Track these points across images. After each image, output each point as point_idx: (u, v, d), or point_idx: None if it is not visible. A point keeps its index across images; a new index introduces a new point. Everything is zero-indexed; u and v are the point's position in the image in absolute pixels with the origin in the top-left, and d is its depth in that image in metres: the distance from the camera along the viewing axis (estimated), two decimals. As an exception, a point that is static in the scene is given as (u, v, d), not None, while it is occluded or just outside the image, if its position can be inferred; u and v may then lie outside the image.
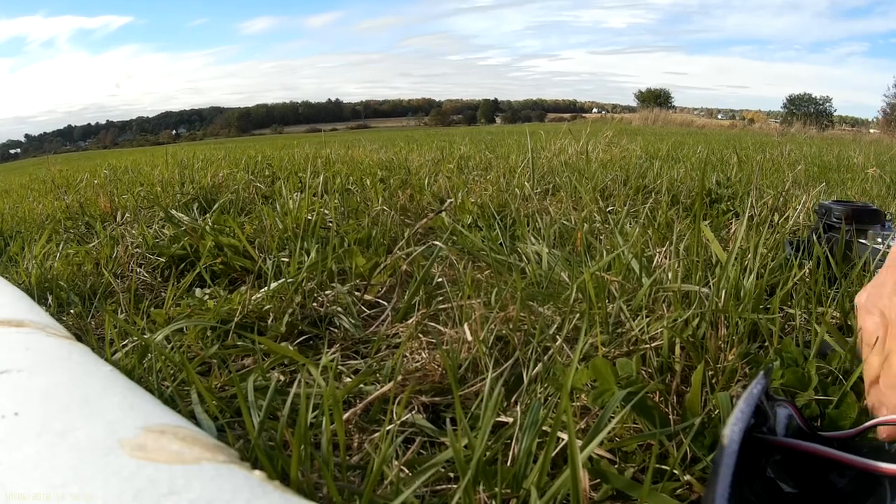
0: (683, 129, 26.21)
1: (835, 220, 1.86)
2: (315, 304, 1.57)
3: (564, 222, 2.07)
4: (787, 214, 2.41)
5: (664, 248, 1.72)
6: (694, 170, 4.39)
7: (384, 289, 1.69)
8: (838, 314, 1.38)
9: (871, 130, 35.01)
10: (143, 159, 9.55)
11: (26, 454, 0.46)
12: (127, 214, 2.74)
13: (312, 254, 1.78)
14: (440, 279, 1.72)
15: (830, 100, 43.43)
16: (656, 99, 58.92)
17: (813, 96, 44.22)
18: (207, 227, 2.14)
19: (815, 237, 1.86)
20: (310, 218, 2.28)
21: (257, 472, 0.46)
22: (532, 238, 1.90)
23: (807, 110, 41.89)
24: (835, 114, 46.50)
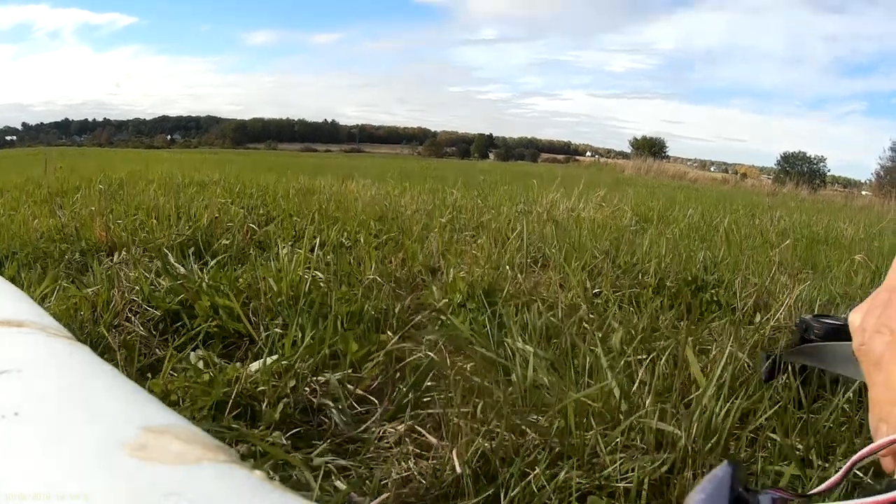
0: (675, 181, 26.26)
1: (813, 337, 1.89)
2: (307, 389, 1.60)
3: (551, 318, 2.10)
4: (768, 315, 2.45)
5: (646, 362, 1.75)
6: (682, 241, 4.42)
7: (375, 381, 1.72)
8: (807, 443, 1.42)
9: (864, 192, 35.15)
10: (138, 168, 9.55)
11: (26, 454, 0.46)
12: (123, 253, 2.75)
13: (308, 334, 1.81)
14: (430, 368, 1.76)
15: (825, 159, 43.43)
16: (651, 147, 59.00)
17: (808, 155, 44.21)
18: (204, 285, 2.17)
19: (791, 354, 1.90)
20: (304, 276, 2.33)
21: (257, 473, 0.47)
22: (519, 334, 1.93)
23: (800, 169, 41.81)
24: (828, 174, 46.49)
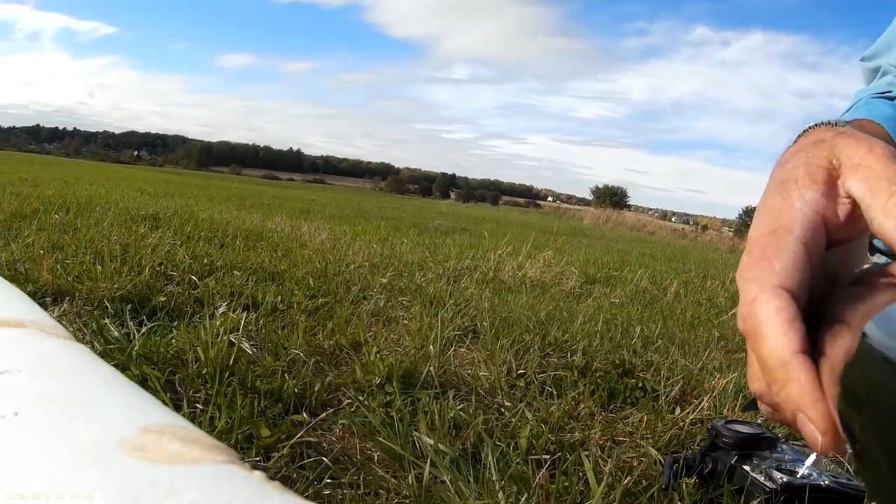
0: (633, 233, 26.40)
1: (723, 444, 1.91)
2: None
3: (461, 413, 2.10)
4: (687, 410, 2.46)
5: (547, 464, 1.76)
6: (622, 313, 4.43)
7: (281, 471, 1.71)
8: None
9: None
10: (100, 191, 9.49)
11: (26, 454, 0.46)
12: (66, 304, 2.73)
13: (224, 414, 1.81)
14: (340, 455, 1.76)
15: None
16: (612, 196, 59.46)
17: None
18: (134, 352, 2.17)
19: (699, 459, 1.92)
20: (233, 342, 2.34)
21: (257, 473, 0.45)
22: (427, 428, 1.94)
23: (762, 223, 42.22)
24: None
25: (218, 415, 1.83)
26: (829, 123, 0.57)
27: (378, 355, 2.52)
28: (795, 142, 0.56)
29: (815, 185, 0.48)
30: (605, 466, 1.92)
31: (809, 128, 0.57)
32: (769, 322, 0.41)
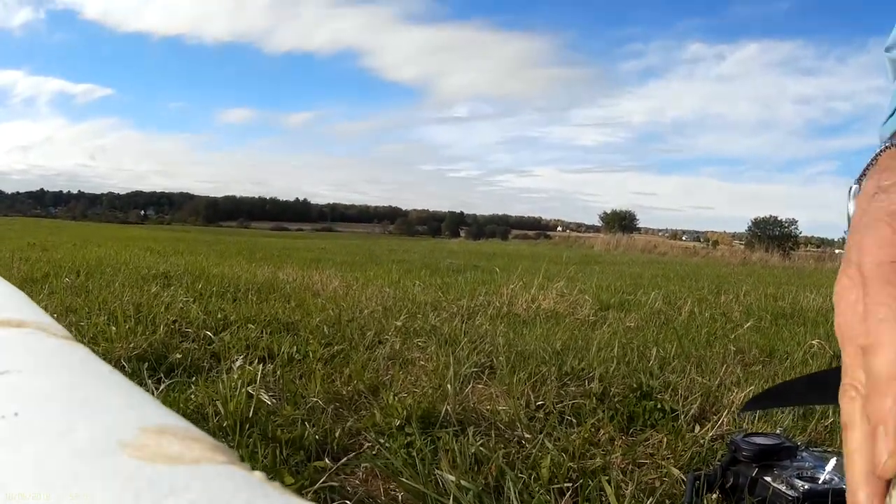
0: (645, 255, 26.35)
1: (743, 457, 1.92)
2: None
3: (481, 448, 2.12)
4: (707, 427, 2.47)
5: (569, 492, 1.78)
6: (638, 335, 4.44)
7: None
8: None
9: (837, 251, 35.37)
10: (108, 252, 9.53)
11: (26, 454, 0.45)
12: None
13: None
14: (365, 497, 1.78)
15: (796, 222, 43.05)
16: (621, 221, 59.15)
17: (778, 219, 43.95)
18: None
19: (720, 472, 1.93)
20: (252, 394, 2.36)
21: (257, 473, 0.43)
22: (449, 465, 1.96)
23: (772, 233, 41.67)
24: (800, 234, 46.29)
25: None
26: None
27: (396, 398, 2.54)
28: (873, 163, 0.63)
29: None
30: (626, 489, 1.94)
31: (884, 149, 0.63)
32: (891, 343, 0.45)
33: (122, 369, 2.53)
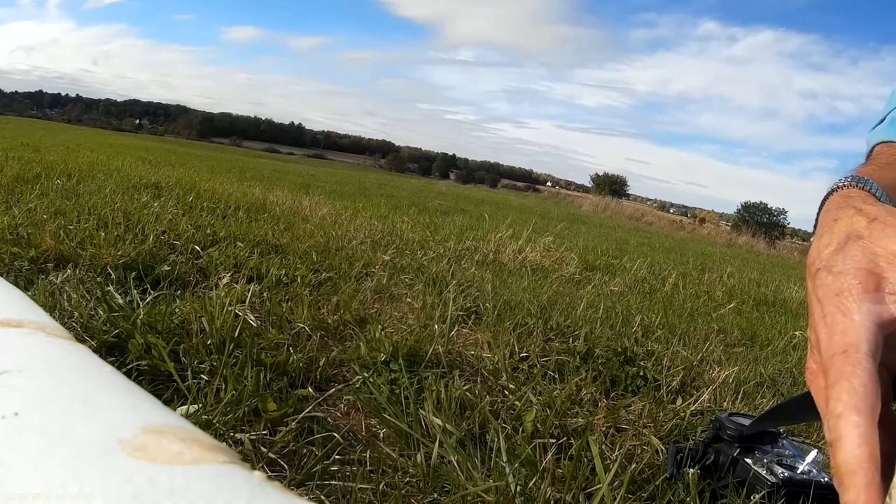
0: (632, 223, 26.42)
1: (726, 436, 1.91)
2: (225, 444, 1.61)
3: (467, 393, 2.10)
4: (689, 401, 2.47)
5: (553, 448, 1.77)
6: (622, 301, 4.44)
7: (288, 446, 1.72)
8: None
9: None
10: (101, 157, 9.49)
11: (26, 454, 0.46)
12: (68, 270, 2.72)
13: (230, 386, 1.81)
14: (346, 431, 1.77)
15: (786, 212, 43.19)
16: (612, 185, 59.23)
17: (768, 206, 44.03)
18: (139, 321, 2.17)
19: (702, 449, 1.92)
20: (238, 315, 2.35)
21: (257, 473, 0.46)
22: (434, 406, 1.94)
23: (760, 219, 41.84)
24: (788, 225, 46.44)
25: (224, 386, 1.84)
26: (853, 181, 0.67)
27: (383, 332, 2.53)
28: (823, 204, 0.66)
29: (868, 294, 0.54)
30: (609, 453, 1.93)
31: (835, 188, 0.66)
32: (847, 437, 0.48)
33: (108, 277, 2.50)
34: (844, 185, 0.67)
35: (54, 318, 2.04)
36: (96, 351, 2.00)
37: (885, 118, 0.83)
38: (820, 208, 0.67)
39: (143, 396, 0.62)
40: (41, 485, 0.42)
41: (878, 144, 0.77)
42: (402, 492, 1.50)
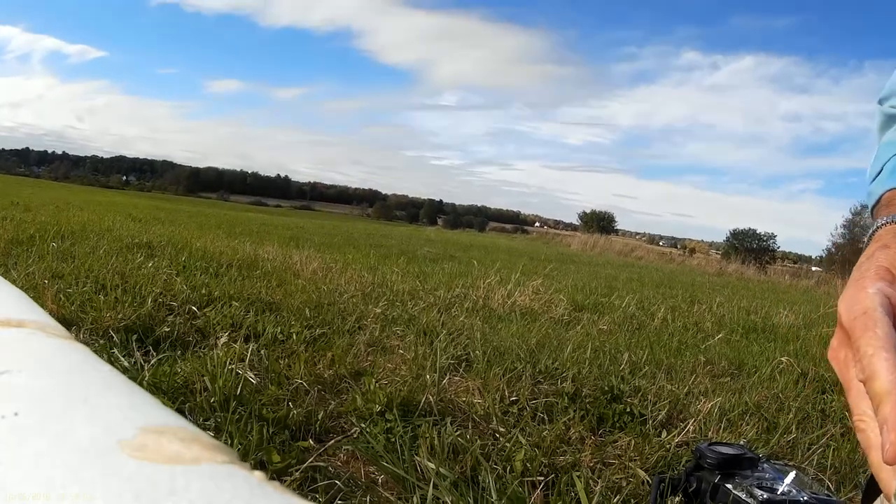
0: (621, 258, 26.38)
1: (707, 464, 2.01)
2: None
3: (459, 439, 2.20)
4: (674, 433, 2.56)
5: (541, 485, 1.86)
6: (610, 339, 4.52)
7: (294, 490, 1.81)
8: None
9: (814, 268, 35.69)
10: (92, 217, 9.53)
11: (26, 454, 0.45)
12: (72, 334, 2.79)
13: (236, 440, 1.92)
14: (347, 479, 1.87)
15: (774, 237, 43.18)
16: (599, 221, 59.17)
17: (757, 232, 43.96)
18: (145, 382, 2.26)
19: (685, 478, 2.02)
20: (238, 373, 2.45)
21: (257, 473, 0.44)
22: (427, 452, 2.04)
23: (749, 245, 41.74)
24: (778, 249, 46.28)
25: (230, 442, 1.93)
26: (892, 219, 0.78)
27: (377, 384, 2.62)
28: (870, 238, 0.78)
29: (881, 279, 0.67)
30: (595, 487, 2.02)
31: (881, 225, 0.78)
32: (881, 369, 0.58)
33: (110, 340, 2.60)
34: (888, 222, 0.78)
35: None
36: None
37: (882, 169, 0.94)
38: (869, 238, 0.78)
39: (142, 396, 0.60)
40: (41, 485, 0.42)
41: (886, 193, 0.89)
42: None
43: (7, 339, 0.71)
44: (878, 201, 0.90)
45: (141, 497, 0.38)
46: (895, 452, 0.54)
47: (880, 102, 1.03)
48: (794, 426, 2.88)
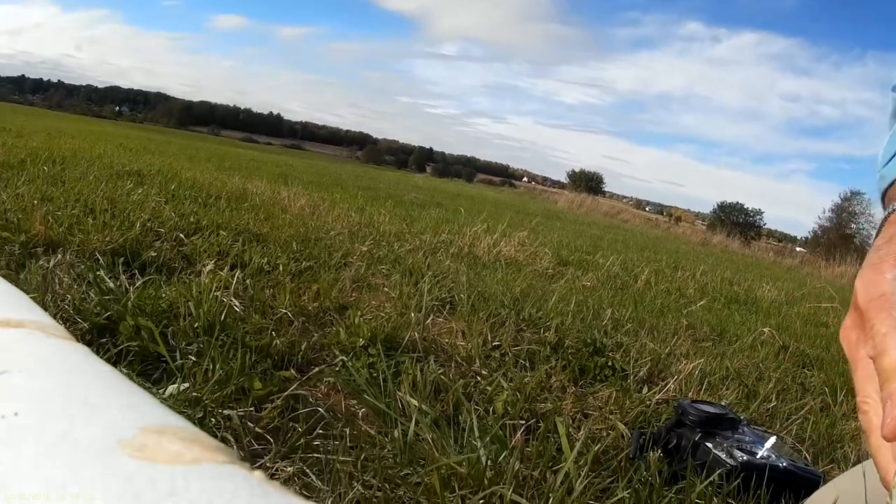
0: (606, 220, 26.44)
1: (689, 421, 2.00)
2: (212, 421, 1.69)
3: (442, 377, 2.19)
4: (654, 389, 2.56)
5: (522, 429, 1.85)
6: (594, 295, 4.52)
7: (273, 422, 1.80)
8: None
9: (798, 249, 35.83)
10: (84, 145, 9.48)
11: (26, 454, 0.46)
12: (59, 255, 2.77)
13: (218, 366, 1.89)
14: (327, 410, 1.86)
15: (762, 213, 43.26)
16: (588, 181, 59.25)
17: (745, 206, 44.08)
18: (130, 304, 2.24)
19: (664, 433, 2.02)
20: (223, 301, 2.43)
21: (257, 473, 0.46)
22: (410, 388, 2.03)
23: (736, 219, 41.85)
24: (764, 226, 46.41)
25: (212, 367, 1.91)
26: None
27: (362, 319, 2.61)
28: (885, 221, 0.80)
29: None
30: (577, 434, 2.01)
31: (894, 210, 0.79)
32: (891, 347, 0.59)
33: (97, 262, 2.57)
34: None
35: (47, 300, 2.10)
36: (88, 332, 2.08)
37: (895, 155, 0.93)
38: (882, 223, 0.81)
39: (142, 396, 0.62)
40: (41, 485, 0.43)
41: None
42: (380, 465, 1.59)
43: (7, 339, 0.71)
44: (891, 184, 0.90)
45: (141, 497, 0.39)
46: (894, 427, 0.54)
47: (894, 90, 1.03)
48: (773, 395, 2.88)
